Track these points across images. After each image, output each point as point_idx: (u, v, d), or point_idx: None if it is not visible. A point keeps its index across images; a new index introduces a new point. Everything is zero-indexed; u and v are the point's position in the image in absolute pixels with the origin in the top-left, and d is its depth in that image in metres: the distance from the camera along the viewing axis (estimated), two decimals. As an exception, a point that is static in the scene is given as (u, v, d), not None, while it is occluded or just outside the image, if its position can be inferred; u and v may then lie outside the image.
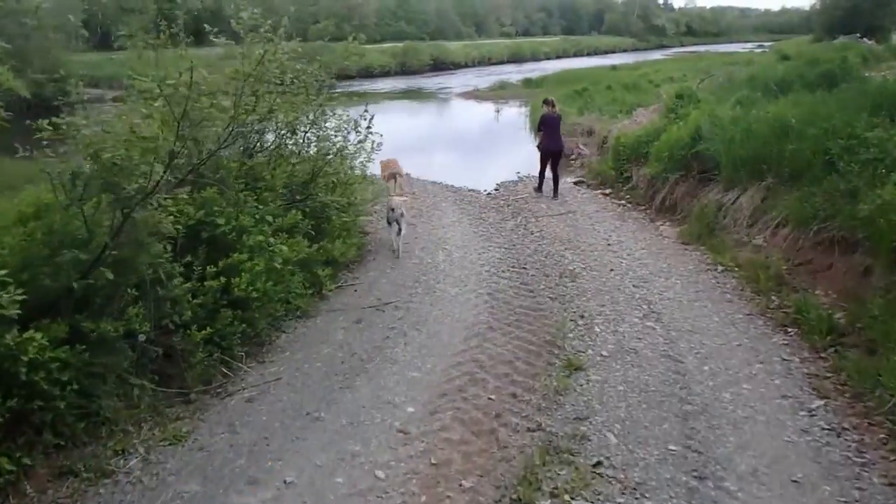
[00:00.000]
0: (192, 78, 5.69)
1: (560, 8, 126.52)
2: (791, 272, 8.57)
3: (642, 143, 14.37)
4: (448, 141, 25.28)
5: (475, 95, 37.64)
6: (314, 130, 9.48)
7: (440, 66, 64.75)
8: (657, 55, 67.46)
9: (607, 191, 14.91)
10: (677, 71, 31.61)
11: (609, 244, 10.94)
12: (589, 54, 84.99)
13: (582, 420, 5.59)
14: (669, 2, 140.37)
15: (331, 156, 9.48)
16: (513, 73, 48.49)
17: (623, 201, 13.92)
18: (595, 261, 10.10)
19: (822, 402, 5.74)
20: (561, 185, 15.54)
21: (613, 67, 41.91)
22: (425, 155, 21.95)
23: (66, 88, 6.27)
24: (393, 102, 38.34)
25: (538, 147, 15.00)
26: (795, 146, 9.82)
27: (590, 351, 6.93)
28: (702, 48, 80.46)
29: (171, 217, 5.81)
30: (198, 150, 6.79)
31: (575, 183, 16.13)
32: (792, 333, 7.16)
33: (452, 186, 16.24)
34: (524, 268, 9.91)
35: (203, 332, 6.00)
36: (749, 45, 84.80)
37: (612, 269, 9.66)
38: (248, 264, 6.74)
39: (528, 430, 5.46)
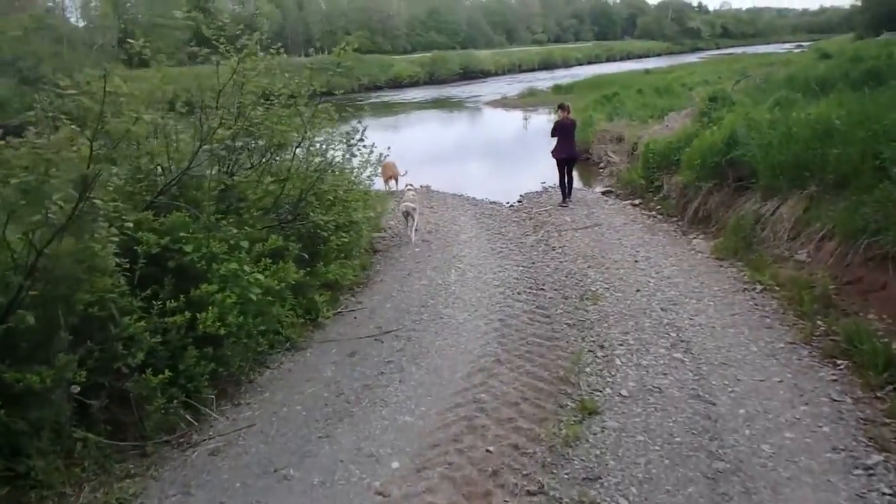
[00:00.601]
0: (105, 89, 4.94)
1: (592, 14, 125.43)
2: (839, 292, 7.62)
3: (673, 150, 13.49)
4: (473, 151, 24.53)
5: (503, 103, 36.90)
6: (305, 145, 8.68)
7: (469, 74, 64.34)
8: (692, 58, 66.18)
9: (636, 201, 14.01)
10: (712, 73, 30.41)
11: (636, 261, 10.07)
12: (621, 59, 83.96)
13: (592, 481, 4.73)
14: (704, 4, 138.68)
15: (320, 171, 8.67)
16: (543, 80, 47.55)
17: (653, 212, 13.02)
18: (620, 280, 9.25)
19: (881, 458, 4.80)
20: (588, 196, 14.86)
21: (646, 71, 40.86)
22: (448, 166, 21.35)
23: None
24: (420, 112, 37.86)
25: (552, 154, 14.39)
26: (841, 150, 8.88)
27: (608, 390, 6.07)
28: (738, 50, 78.45)
29: (115, 246, 5.11)
30: (167, 170, 6.12)
31: (603, 193, 15.30)
32: (842, 367, 6.21)
33: (473, 199, 15.51)
34: (542, 289, 9.10)
35: (161, 375, 5.29)
36: (787, 45, 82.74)
37: (638, 290, 8.79)
38: (218, 296, 6.04)
39: (529, 493, 4.63)
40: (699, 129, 13.46)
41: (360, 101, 47.62)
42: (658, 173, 13.91)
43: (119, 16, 75.68)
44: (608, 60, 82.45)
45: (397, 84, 58.99)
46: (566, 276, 9.57)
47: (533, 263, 10.32)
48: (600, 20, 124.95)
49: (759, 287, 8.48)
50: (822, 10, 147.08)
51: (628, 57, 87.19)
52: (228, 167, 7.61)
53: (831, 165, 8.91)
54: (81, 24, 75.66)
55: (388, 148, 11.40)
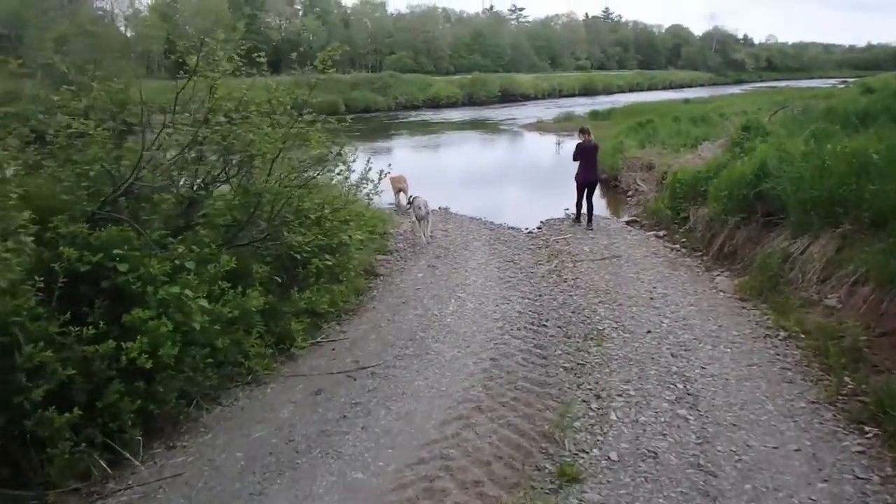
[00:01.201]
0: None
1: (636, 42, 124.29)
2: (871, 345, 6.77)
3: (701, 180, 12.69)
4: (501, 174, 23.80)
5: (539, 127, 36.22)
6: (282, 160, 7.99)
7: (509, 97, 63.94)
8: (734, 90, 64.76)
9: (661, 233, 13.21)
10: (752, 104, 29.32)
11: (652, 298, 9.29)
12: (664, 88, 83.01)
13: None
14: (749, 37, 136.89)
15: (299, 188, 7.97)
16: (582, 106, 46.82)
17: (677, 245, 12.21)
18: (631, 319, 8.48)
19: (910, 558, 4.01)
20: (612, 225, 14.15)
21: (686, 101, 39.87)
22: (473, 188, 20.69)
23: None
24: (454, 133, 37.36)
25: (575, 178, 14.17)
26: (879, 186, 8.07)
27: (595, 451, 5.32)
28: (781, 83, 76.90)
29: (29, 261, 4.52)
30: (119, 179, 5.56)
31: (627, 222, 14.51)
32: (870, 435, 5.38)
33: (491, 223, 14.82)
34: (544, 325, 8.37)
35: (69, 413, 4.65)
36: (832, 80, 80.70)
37: (649, 331, 8.02)
38: (152, 323, 5.42)
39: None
40: (729, 159, 12.66)
41: (397, 119, 47.53)
42: (685, 204, 13.11)
43: (167, 27, 76.97)
44: (650, 89, 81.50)
45: (435, 104, 58.72)
46: (573, 312, 8.83)
47: (540, 296, 9.60)
48: (644, 49, 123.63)
49: (782, 334, 7.67)
50: (870, 47, 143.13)
51: (671, 86, 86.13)
52: (196, 180, 7.03)
53: (868, 203, 8.10)
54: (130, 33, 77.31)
55: (389, 165, 10.91)
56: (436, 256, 11.98)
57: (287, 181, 7.61)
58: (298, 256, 7.50)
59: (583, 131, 14.44)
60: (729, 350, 7.38)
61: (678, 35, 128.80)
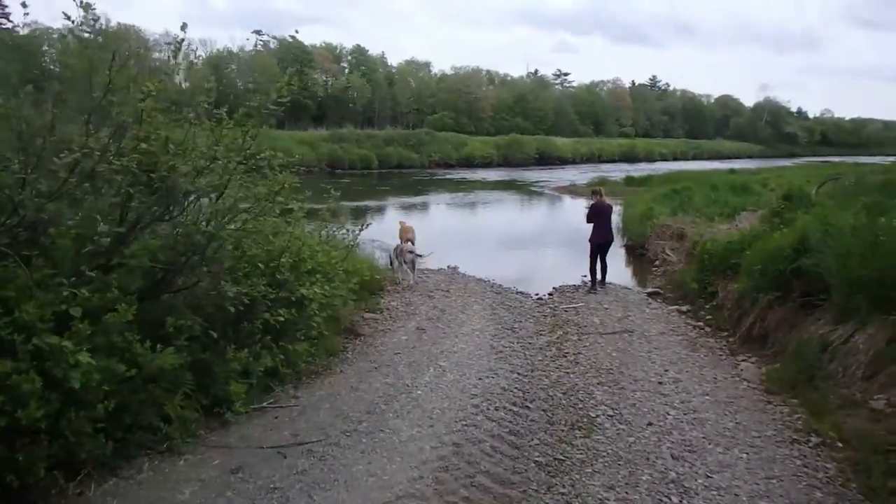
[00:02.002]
0: None
1: (684, 112, 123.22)
2: (928, 465, 5.37)
3: (733, 252, 11.36)
4: (521, 236, 22.65)
5: (570, 190, 35.20)
6: (214, 199, 6.80)
7: (546, 160, 63.40)
8: (785, 163, 63.10)
9: (685, 307, 11.83)
10: (801, 177, 27.91)
11: (661, 382, 7.93)
12: (709, 158, 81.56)
13: None
14: (804, 110, 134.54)
15: (232, 231, 6.75)
16: (619, 172, 45.60)
17: (701, 323, 10.82)
18: (631, 406, 7.14)
19: None
20: (631, 296, 12.88)
21: (731, 171, 38.52)
22: (487, 249, 19.56)
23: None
24: (482, 192, 36.50)
25: (589, 240, 13.61)
26: (942, 268, 6.69)
27: None
28: (836, 159, 74.92)
29: None
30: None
31: (649, 294, 13.16)
32: None
33: (499, 286, 13.59)
34: (527, 406, 7.07)
35: None
36: (893, 158, 78.41)
37: (650, 423, 6.67)
38: (15, 378, 4.30)
39: None
40: (767, 229, 11.32)
41: (429, 177, 46.94)
42: (713, 278, 11.76)
43: (218, 79, 78.65)
44: (695, 158, 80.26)
45: (470, 164, 58.27)
46: (564, 393, 7.52)
47: (532, 371, 8.31)
48: (692, 118, 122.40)
49: (814, 440, 6.27)
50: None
51: (717, 157, 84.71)
52: (126, 217, 5.94)
53: (928, 287, 6.72)
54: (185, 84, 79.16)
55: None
56: (428, 318, 10.78)
57: (225, 224, 6.46)
58: (233, 309, 6.31)
59: (595, 192, 14.27)
60: (745, 456, 5.98)
61: (727, 105, 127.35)
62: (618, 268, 15.89)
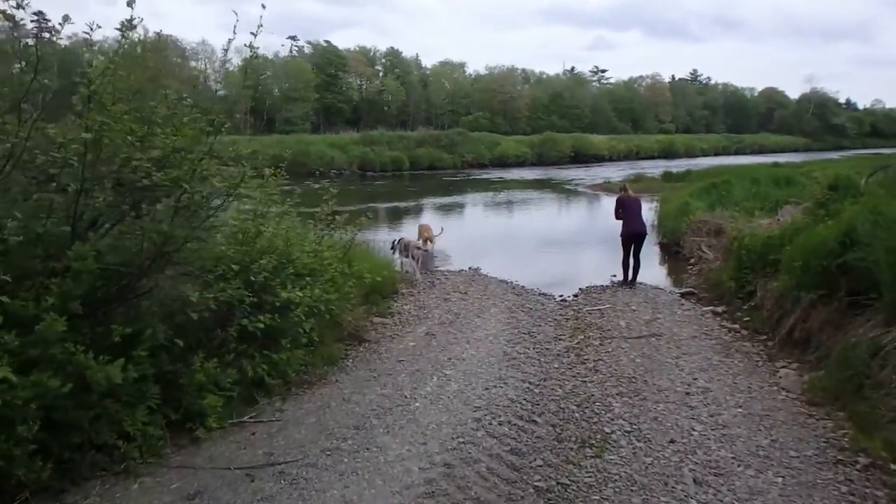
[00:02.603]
0: None
1: (726, 106, 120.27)
2: None
3: (773, 247, 10.44)
4: (551, 234, 21.76)
5: (605, 188, 34.14)
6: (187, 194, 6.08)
7: (581, 158, 62.21)
8: (833, 155, 60.95)
9: (720, 308, 10.95)
10: (850, 168, 26.43)
11: (688, 393, 7.13)
12: (753, 153, 79.23)
13: None
14: (852, 101, 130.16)
15: (192, 229, 6.03)
16: (657, 168, 44.36)
17: (736, 325, 9.97)
18: (653, 420, 6.36)
19: None
20: (663, 296, 12.04)
21: (775, 164, 37.06)
22: (515, 249, 18.82)
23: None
24: (514, 192, 35.65)
25: (620, 235, 13.09)
26: None
27: None
28: (888, 151, 72.22)
29: None
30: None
31: (682, 294, 12.30)
32: None
33: (522, 288, 12.83)
34: (535, 421, 6.34)
35: None
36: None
37: (672, 440, 5.88)
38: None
39: None
40: (810, 222, 10.39)
41: (460, 177, 46.26)
42: (751, 276, 10.86)
43: (254, 86, 79.16)
44: (738, 153, 78.01)
45: (503, 163, 57.41)
46: (578, 405, 6.77)
47: (545, 380, 7.57)
48: (735, 113, 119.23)
49: (862, 461, 5.44)
50: None
51: (761, 151, 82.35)
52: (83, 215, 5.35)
53: None
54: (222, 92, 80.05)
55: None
56: (440, 323, 10.10)
57: (187, 220, 5.81)
58: (195, 316, 5.68)
59: (622, 188, 14.04)
60: (780, 480, 5.17)
61: (772, 98, 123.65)
62: (651, 266, 15.01)
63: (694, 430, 6.11)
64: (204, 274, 6.10)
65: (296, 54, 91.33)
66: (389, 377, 7.56)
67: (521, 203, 31.07)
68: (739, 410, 6.62)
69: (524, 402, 6.82)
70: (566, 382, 7.49)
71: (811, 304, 8.54)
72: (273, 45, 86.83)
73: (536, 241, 20.52)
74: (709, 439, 5.90)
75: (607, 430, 6.13)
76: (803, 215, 11.59)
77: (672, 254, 16.65)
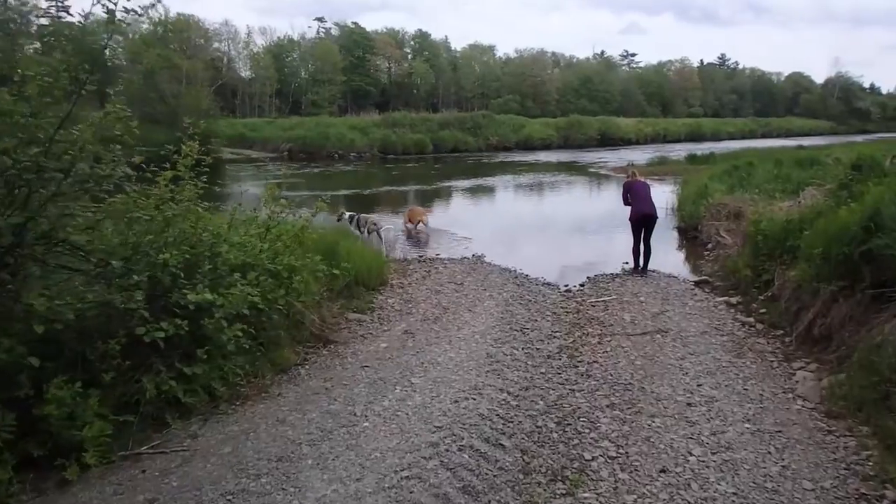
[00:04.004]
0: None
1: (753, 90, 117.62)
2: None
3: (792, 232, 9.44)
4: (566, 219, 20.75)
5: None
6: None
7: (608, 141, 60.89)
8: (857, 139, 59.00)
9: (735, 299, 9.97)
10: (876, 151, 24.98)
11: (690, 403, 6.18)
12: (778, 136, 77.41)
13: None
14: (877, 86, 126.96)
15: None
16: (683, 151, 42.89)
17: (752, 318, 8.99)
18: (644, 442, 5.43)
19: None
20: (674, 286, 11.10)
21: (800, 147, 35.64)
22: (525, 235, 17.78)
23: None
24: (536, 175, 34.48)
25: (629, 219, 12.29)
26: None
27: None
28: (912, 134, 69.88)
29: None
30: None
31: (696, 283, 11.31)
32: None
33: (525, 277, 11.90)
34: (502, 444, 5.40)
35: None
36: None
37: (663, 470, 4.95)
38: None
39: None
40: (832, 205, 9.35)
41: (484, 160, 45.26)
42: (769, 263, 9.84)
43: (278, 68, 78.79)
44: (764, 137, 76.30)
45: (529, 146, 56.21)
46: (559, 423, 5.85)
47: (527, 389, 6.65)
48: (762, 97, 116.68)
49: (889, 495, 4.47)
50: None
51: (787, 134, 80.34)
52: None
53: None
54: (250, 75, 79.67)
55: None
56: (424, 319, 9.21)
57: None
58: (41, 329, 4.68)
59: (630, 174, 13.23)
60: (791, 521, 4.24)
61: (798, 83, 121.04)
62: (667, 252, 13.99)
63: (692, 454, 5.17)
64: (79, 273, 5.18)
65: (323, 36, 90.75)
66: (345, 388, 6.65)
67: (541, 186, 29.95)
68: (747, 427, 5.67)
69: (496, 418, 5.90)
70: (551, 392, 6.57)
71: (832, 297, 7.56)
72: (300, 27, 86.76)
73: (551, 225, 19.62)
74: (708, 467, 4.95)
75: (588, 455, 5.21)
76: (825, 198, 10.53)
77: (690, 239, 15.61)
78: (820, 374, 6.77)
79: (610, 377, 6.93)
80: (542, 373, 7.11)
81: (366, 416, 5.94)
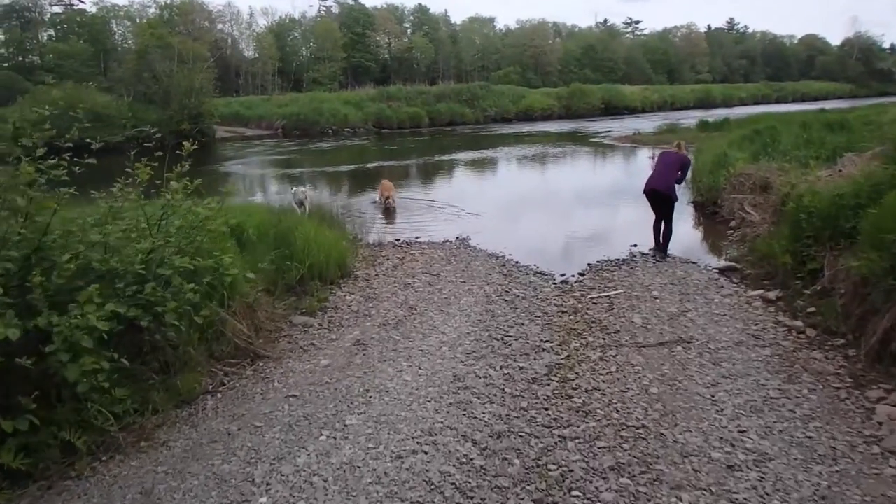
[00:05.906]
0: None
1: (764, 54, 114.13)
2: None
3: (846, 210, 7.48)
4: (566, 194, 18.58)
5: (633, 140, 30.79)
6: None
7: (612, 110, 58.80)
8: (882, 101, 56.60)
9: (773, 294, 8.00)
10: (910, 113, 22.85)
11: (731, 466, 4.26)
12: (794, 100, 75.01)
13: None
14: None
15: None
16: (693, 119, 40.69)
17: (799, 322, 7.02)
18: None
19: None
20: (696, 274, 9.22)
21: (821, 110, 33.35)
22: (519, 213, 15.73)
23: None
24: (535, 146, 32.34)
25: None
26: None
27: None
28: (937, 95, 67.19)
29: None
30: None
31: (721, 270, 9.37)
32: None
33: (514, 265, 10.04)
34: (454, 546, 3.52)
35: None
36: None
37: None
38: None
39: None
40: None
41: (481, 132, 43.28)
42: (816, 248, 7.88)
43: (280, 47, 77.35)
44: (778, 102, 73.97)
45: (529, 117, 54.26)
46: (537, 501, 3.93)
47: (500, 436, 4.73)
48: (774, 61, 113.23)
49: None
50: None
51: (803, 99, 77.89)
52: None
53: None
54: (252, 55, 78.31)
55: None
56: (384, 323, 7.32)
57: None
58: None
59: (675, 146, 11.08)
60: None
61: (812, 46, 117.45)
62: (681, 233, 11.90)
63: (744, 571, 3.27)
64: None
65: (323, 14, 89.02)
66: (254, 434, 4.78)
67: (540, 158, 27.80)
68: (814, 499, 3.75)
69: (450, 488, 4.01)
70: (532, 441, 4.66)
71: (916, 298, 5.61)
72: (301, 5, 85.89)
73: (547, 201, 17.51)
74: None
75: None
76: (883, 167, 8.50)
77: (708, 215, 13.56)
78: (910, 411, 4.84)
79: (615, 416, 5.02)
80: (522, 409, 5.19)
81: (267, 486, 4.10)
